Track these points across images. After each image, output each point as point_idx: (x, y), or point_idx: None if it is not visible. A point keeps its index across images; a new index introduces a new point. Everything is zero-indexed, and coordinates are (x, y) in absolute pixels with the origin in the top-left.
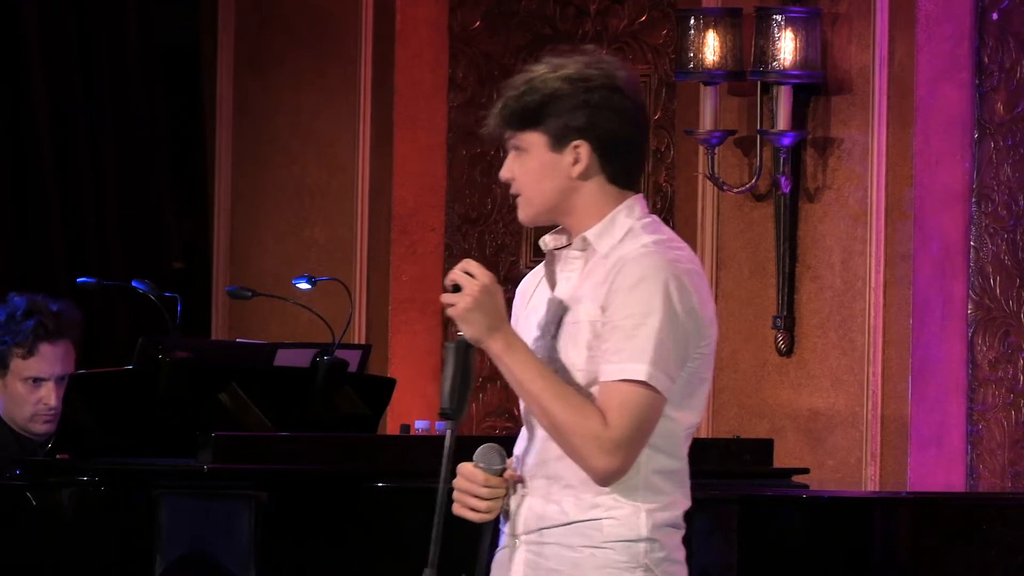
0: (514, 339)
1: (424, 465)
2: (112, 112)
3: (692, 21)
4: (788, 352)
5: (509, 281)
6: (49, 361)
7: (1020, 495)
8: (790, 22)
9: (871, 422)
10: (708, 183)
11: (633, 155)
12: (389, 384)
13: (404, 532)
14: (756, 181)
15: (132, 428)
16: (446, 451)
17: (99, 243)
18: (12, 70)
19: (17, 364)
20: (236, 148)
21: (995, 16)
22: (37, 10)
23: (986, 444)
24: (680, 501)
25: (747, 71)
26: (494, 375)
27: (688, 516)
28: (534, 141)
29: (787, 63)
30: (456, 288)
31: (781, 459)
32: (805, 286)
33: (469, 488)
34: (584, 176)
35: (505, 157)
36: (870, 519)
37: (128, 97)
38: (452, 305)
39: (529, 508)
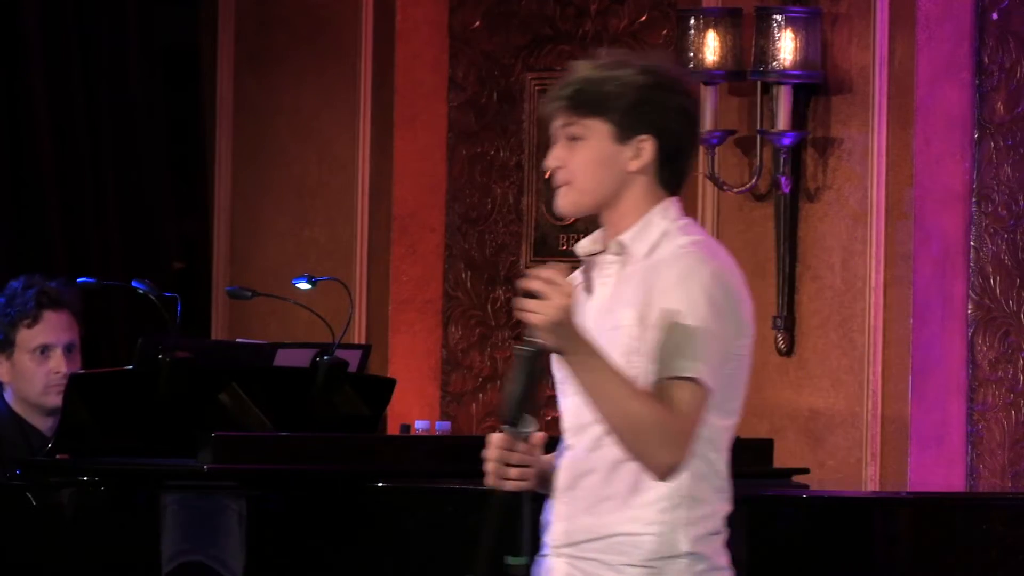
0: (593, 345)
1: (424, 465)
2: (112, 111)
3: (692, 21)
4: (788, 352)
5: (509, 281)
6: (55, 328)
7: (1020, 495)
8: (790, 22)
9: (871, 422)
10: (708, 183)
11: (687, 161)
12: (389, 384)
13: (404, 532)
14: (756, 181)
15: (132, 428)
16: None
17: (99, 243)
18: (12, 69)
19: (23, 336)
20: (236, 147)
21: (995, 16)
22: (37, 9)
23: (986, 444)
24: (721, 508)
25: (747, 71)
26: (493, 375)
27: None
28: (598, 130)
29: (787, 63)
30: (529, 295)
31: (781, 459)
32: (805, 286)
33: (498, 456)
34: (640, 172)
35: (547, 145)
36: (870, 519)
37: (128, 96)
38: (532, 312)
39: (569, 519)
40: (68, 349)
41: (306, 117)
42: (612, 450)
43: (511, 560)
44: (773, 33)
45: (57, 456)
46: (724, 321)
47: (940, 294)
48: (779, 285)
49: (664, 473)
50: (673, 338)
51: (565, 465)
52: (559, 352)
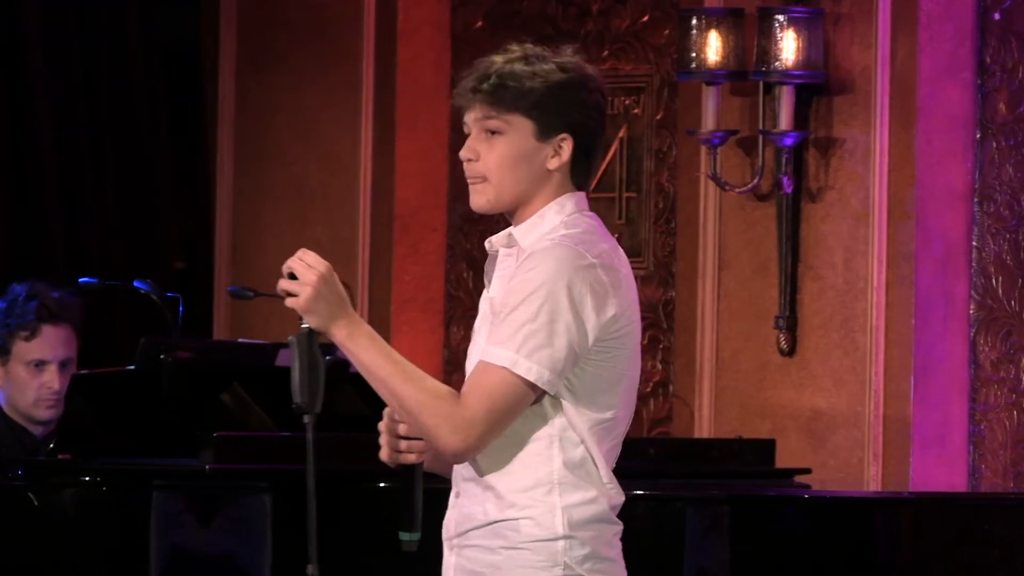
0: (358, 325)
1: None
2: (113, 111)
3: (694, 21)
4: (790, 352)
5: None
6: (52, 344)
7: (1022, 495)
8: (792, 22)
9: (873, 422)
10: (710, 183)
11: (598, 159)
12: None
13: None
14: (758, 181)
15: (134, 428)
16: (309, 444)
17: (100, 243)
18: (13, 69)
19: (20, 348)
20: (237, 147)
21: (997, 16)
22: (38, 9)
23: (988, 444)
24: (605, 496)
25: (749, 71)
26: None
27: (682, 514)
28: (520, 125)
29: (789, 63)
30: (292, 277)
31: (783, 459)
32: (807, 286)
33: (387, 429)
34: (556, 170)
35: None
36: (872, 519)
37: (129, 96)
38: (292, 295)
39: (458, 510)
40: (63, 364)
41: (308, 117)
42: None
43: (403, 536)
44: (775, 33)
45: (59, 456)
46: (566, 321)
47: (942, 294)
48: (781, 285)
49: (452, 457)
50: (501, 325)
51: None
52: (322, 331)
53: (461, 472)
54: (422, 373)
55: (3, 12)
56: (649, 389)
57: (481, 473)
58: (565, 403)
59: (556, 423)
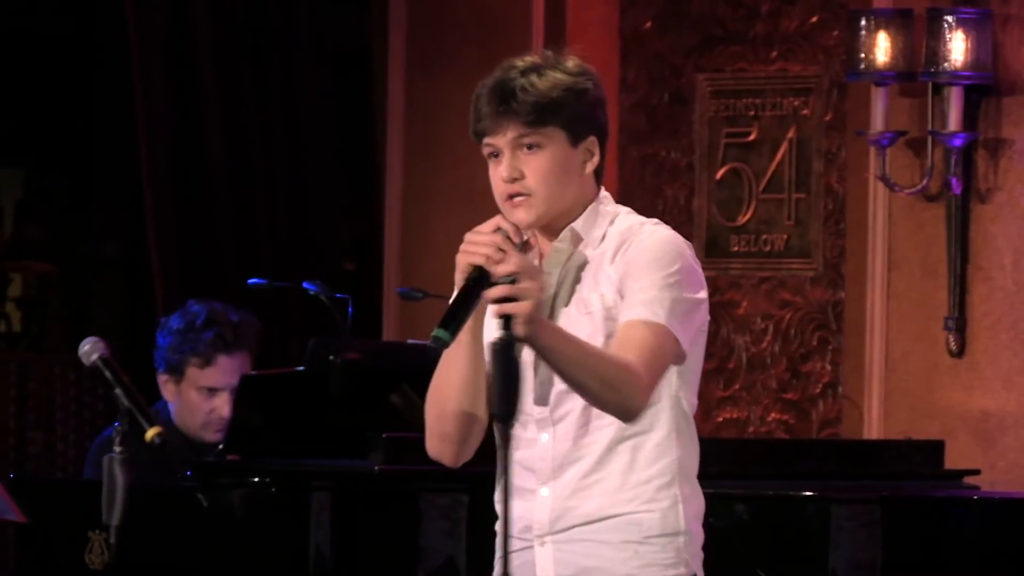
0: (549, 323)
1: None
2: (283, 114)
3: (863, 22)
4: (959, 353)
5: None
6: (225, 372)
7: None
8: (961, 23)
9: None
10: (879, 184)
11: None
12: None
13: None
14: (927, 182)
15: (303, 429)
16: (500, 452)
17: (270, 244)
18: (185, 74)
19: (193, 373)
20: (406, 149)
21: None
22: (209, 13)
23: None
24: (700, 489)
25: (918, 72)
26: None
27: (826, 514)
28: (555, 137)
29: (958, 64)
30: (511, 280)
31: (952, 461)
32: (976, 287)
33: (498, 242)
34: (591, 172)
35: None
36: None
37: (299, 98)
38: (513, 300)
39: (554, 507)
40: (235, 391)
41: None
42: (603, 434)
43: (438, 332)
44: (944, 34)
45: (227, 457)
46: (696, 293)
47: None
48: (950, 286)
49: (633, 418)
50: (646, 293)
51: (541, 456)
52: (529, 339)
53: (555, 472)
54: (598, 347)
55: (174, 19)
56: (818, 390)
57: (590, 469)
58: (676, 388)
59: (674, 411)
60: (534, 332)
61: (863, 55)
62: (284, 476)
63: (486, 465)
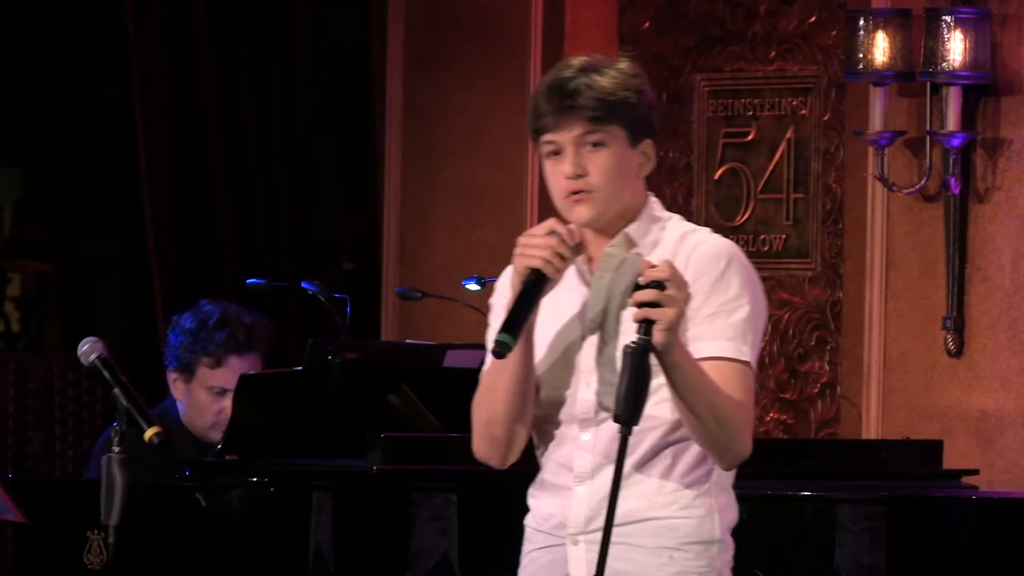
0: (682, 342)
1: None
2: (282, 112)
3: (862, 22)
4: (958, 353)
5: None
6: (235, 374)
7: None
8: (959, 23)
9: None
10: (878, 184)
11: None
12: None
13: None
14: (926, 182)
15: (301, 429)
16: (619, 457)
17: (269, 244)
18: (183, 72)
19: (203, 373)
20: (405, 148)
21: None
22: (207, 12)
23: None
24: (736, 501)
25: (916, 72)
26: None
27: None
28: (618, 136)
29: (956, 64)
30: (658, 285)
31: (951, 460)
32: (975, 287)
33: (558, 245)
34: (646, 175)
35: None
36: None
37: (298, 97)
38: (658, 306)
39: (591, 506)
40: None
41: (475, 118)
42: (646, 437)
43: (502, 337)
44: (942, 34)
45: (226, 456)
46: (761, 310)
47: None
48: (948, 286)
49: (736, 462)
50: (726, 321)
51: (581, 455)
52: (664, 348)
53: (594, 471)
54: (719, 385)
55: (173, 17)
56: (816, 390)
57: (635, 467)
58: None
59: None
60: (671, 343)
61: (861, 55)
62: (283, 476)
63: (480, 465)
